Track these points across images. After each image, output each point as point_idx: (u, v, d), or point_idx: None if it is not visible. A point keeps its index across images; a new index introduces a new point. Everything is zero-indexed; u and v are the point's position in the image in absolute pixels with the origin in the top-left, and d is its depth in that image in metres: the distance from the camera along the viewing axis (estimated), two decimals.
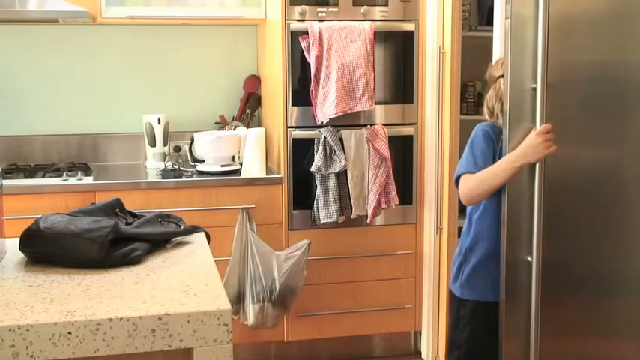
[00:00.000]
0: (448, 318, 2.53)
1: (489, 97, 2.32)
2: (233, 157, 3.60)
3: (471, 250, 2.36)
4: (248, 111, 3.84)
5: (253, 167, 3.43)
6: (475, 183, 2.21)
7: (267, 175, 3.42)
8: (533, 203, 2.12)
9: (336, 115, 3.27)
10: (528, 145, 2.08)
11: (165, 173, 3.37)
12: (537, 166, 2.10)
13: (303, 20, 3.30)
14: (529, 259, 2.14)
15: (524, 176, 2.14)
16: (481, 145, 2.26)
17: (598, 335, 2.28)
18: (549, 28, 2.02)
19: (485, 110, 2.33)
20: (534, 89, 2.07)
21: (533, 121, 2.09)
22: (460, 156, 3.30)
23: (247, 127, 3.76)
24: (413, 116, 3.46)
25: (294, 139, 3.35)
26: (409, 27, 3.41)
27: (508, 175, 2.14)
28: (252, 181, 3.37)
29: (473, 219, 2.36)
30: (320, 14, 3.31)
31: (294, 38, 3.29)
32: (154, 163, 3.64)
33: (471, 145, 2.28)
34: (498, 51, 2.61)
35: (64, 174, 3.31)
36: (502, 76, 2.27)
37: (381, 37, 3.38)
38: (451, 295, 2.48)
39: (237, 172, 3.46)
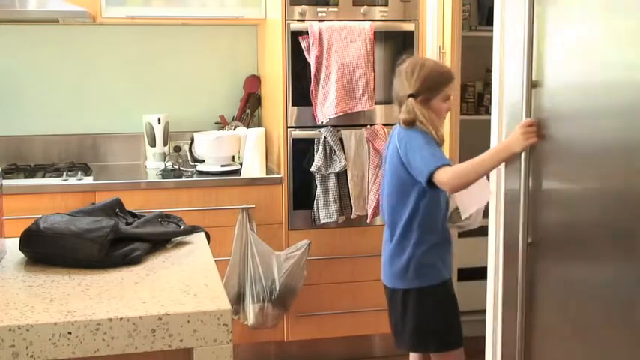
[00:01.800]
0: (400, 318, 2.59)
1: (404, 113, 2.48)
2: (233, 157, 3.60)
3: (418, 243, 2.51)
4: (248, 111, 3.84)
5: (253, 167, 3.43)
6: (462, 172, 2.35)
7: (267, 175, 3.42)
8: (520, 190, 2.15)
9: (336, 115, 3.27)
10: (511, 137, 2.21)
11: (165, 173, 3.37)
12: (523, 155, 2.17)
13: (303, 20, 3.30)
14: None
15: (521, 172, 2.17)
16: (433, 143, 2.45)
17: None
18: (536, 27, 2.05)
19: (402, 123, 2.50)
20: (530, 86, 2.12)
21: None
22: (459, 157, 3.31)
23: (247, 127, 3.76)
24: None
25: (294, 139, 3.36)
26: (409, 27, 3.42)
27: (495, 165, 2.31)
28: (252, 181, 3.37)
29: (403, 218, 2.52)
30: (320, 14, 3.31)
31: (294, 38, 3.29)
32: (153, 163, 3.64)
33: (428, 144, 2.43)
34: (498, 51, 2.61)
35: (64, 174, 3.31)
36: (412, 94, 2.47)
37: (381, 37, 3.38)
38: (397, 294, 2.57)
39: (237, 172, 3.46)
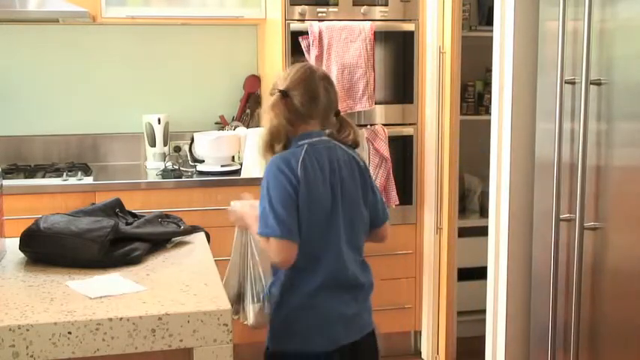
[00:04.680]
0: None
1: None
2: (233, 157, 3.60)
3: (289, 291, 2.09)
4: (248, 111, 3.84)
5: (253, 167, 3.43)
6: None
7: None
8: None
9: None
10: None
11: (165, 173, 3.37)
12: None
13: (303, 20, 3.30)
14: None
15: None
16: None
17: None
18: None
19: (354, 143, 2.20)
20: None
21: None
22: (459, 157, 3.31)
23: (247, 127, 3.75)
24: (413, 116, 3.46)
25: None
26: (409, 27, 3.41)
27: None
28: (252, 181, 3.36)
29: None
30: (320, 14, 3.31)
31: (294, 38, 3.29)
32: (153, 163, 3.64)
33: None
34: (498, 51, 2.61)
35: (64, 174, 3.31)
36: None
37: (381, 37, 3.37)
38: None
39: (237, 172, 3.46)
